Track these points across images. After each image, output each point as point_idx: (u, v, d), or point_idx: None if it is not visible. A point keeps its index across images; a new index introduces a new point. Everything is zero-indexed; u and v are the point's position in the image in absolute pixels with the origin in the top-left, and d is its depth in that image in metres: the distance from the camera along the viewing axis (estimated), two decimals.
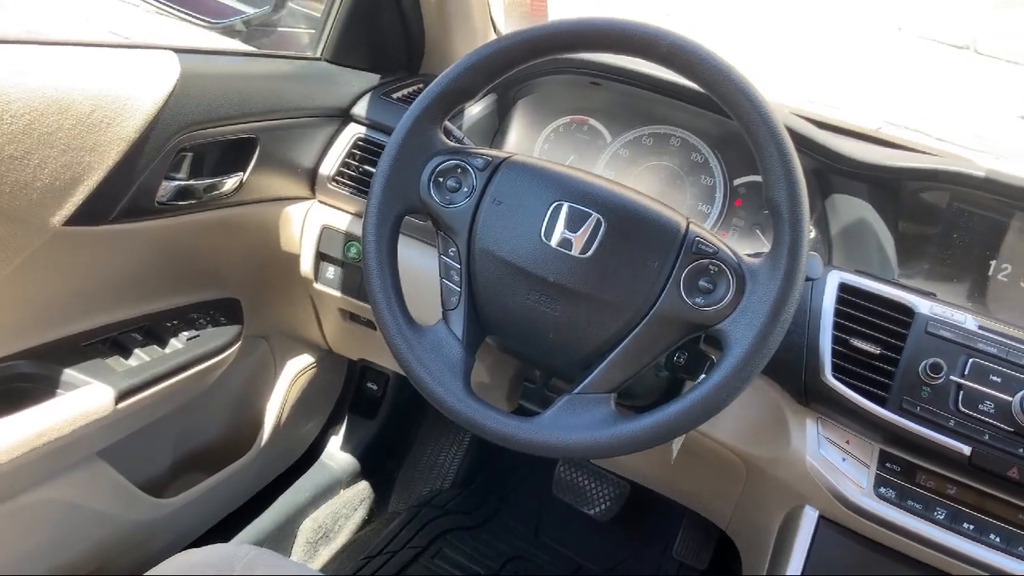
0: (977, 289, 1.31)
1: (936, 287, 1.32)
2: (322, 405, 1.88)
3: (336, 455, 1.91)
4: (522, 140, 1.47)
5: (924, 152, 1.39)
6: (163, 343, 1.30)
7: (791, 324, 1.10)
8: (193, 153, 1.21)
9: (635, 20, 0.99)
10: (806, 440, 1.14)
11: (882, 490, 1.09)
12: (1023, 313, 1.29)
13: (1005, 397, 1.03)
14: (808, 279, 1.00)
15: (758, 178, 1.35)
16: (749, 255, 0.98)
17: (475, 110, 1.44)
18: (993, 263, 1.30)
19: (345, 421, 1.94)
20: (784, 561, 1.16)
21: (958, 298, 1.32)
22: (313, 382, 1.75)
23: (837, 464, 1.11)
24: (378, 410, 1.94)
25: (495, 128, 1.48)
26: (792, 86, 3.22)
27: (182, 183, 1.20)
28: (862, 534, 1.12)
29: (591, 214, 0.99)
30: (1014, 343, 1.06)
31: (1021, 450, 1.02)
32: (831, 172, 1.29)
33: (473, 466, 1.98)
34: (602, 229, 0.99)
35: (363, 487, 1.90)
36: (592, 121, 1.45)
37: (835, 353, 1.09)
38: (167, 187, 1.18)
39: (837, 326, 1.10)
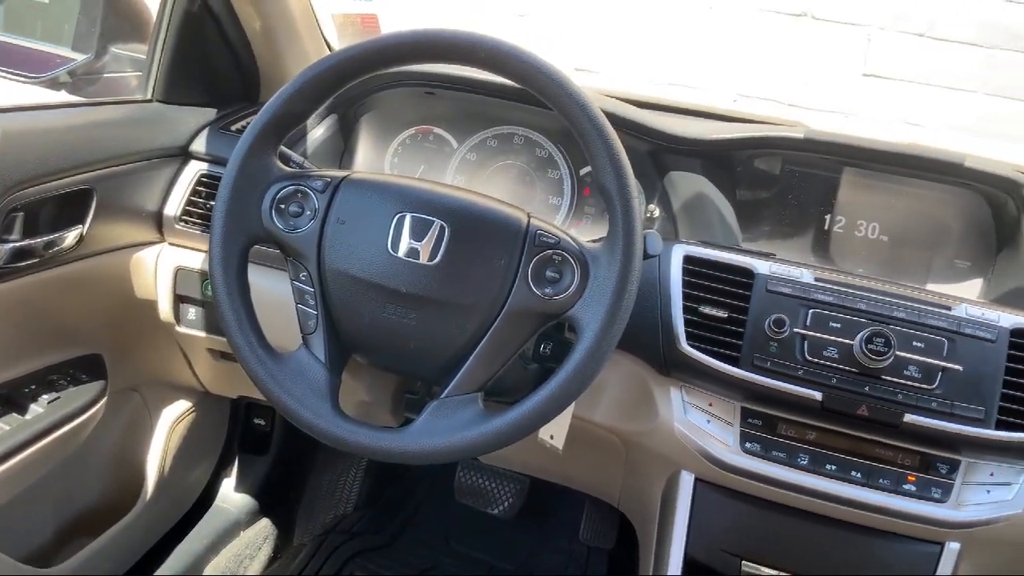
0: (818, 243, 1.39)
1: (778, 247, 1.40)
2: (209, 448, 1.84)
3: (231, 497, 1.87)
4: (370, 157, 1.48)
5: (754, 122, 1.46)
6: (23, 410, 1.25)
7: (645, 300, 1.15)
8: (26, 212, 1.17)
9: (452, 29, 1.01)
10: (672, 408, 1.18)
11: (747, 445, 1.14)
12: (863, 259, 1.38)
13: (846, 341, 1.09)
14: (649, 256, 1.04)
15: None
16: (592, 241, 1.02)
17: (317, 132, 1.44)
18: (828, 217, 1.38)
19: (236, 461, 1.91)
20: (669, 526, 1.20)
21: (802, 254, 1.39)
22: (194, 427, 1.71)
23: (703, 427, 1.17)
24: (268, 445, 1.91)
25: (341, 148, 1.48)
26: (654, 71, 3.32)
27: (18, 244, 1.16)
28: (737, 489, 1.18)
29: (434, 221, 1.01)
30: (849, 290, 1.13)
31: (867, 388, 1.09)
32: (665, 152, 1.35)
33: (375, 486, 1.97)
34: (446, 235, 1.01)
35: (264, 524, 1.87)
36: (437, 129, 1.47)
37: (687, 322, 1.14)
38: (2, 250, 1.14)
39: (686, 296, 1.15)
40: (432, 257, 1.00)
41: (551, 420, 1.01)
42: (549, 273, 1.00)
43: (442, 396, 1.00)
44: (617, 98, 1.43)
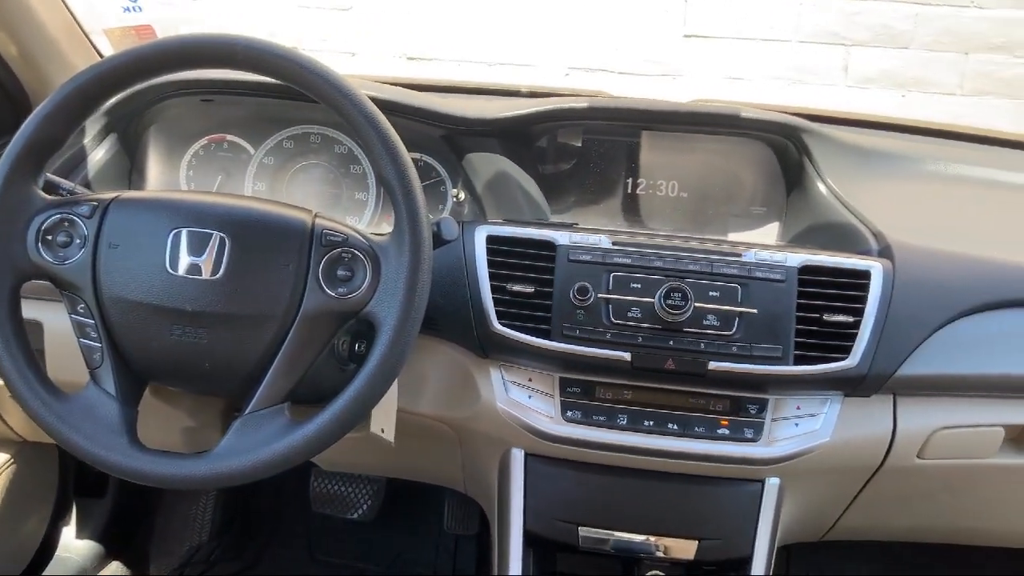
0: (625, 207, 1.43)
1: (588, 215, 1.42)
2: (40, 498, 1.74)
3: (73, 545, 1.78)
4: (163, 173, 1.42)
5: (552, 95, 1.47)
6: None
7: (454, 285, 1.15)
8: None
9: (206, 33, 0.97)
10: (494, 389, 1.19)
11: (569, 413, 1.16)
12: (668, 217, 1.42)
13: (647, 300, 1.12)
14: (445, 241, 1.04)
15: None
16: (380, 234, 1.01)
17: (98, 155, 1.36)
18: (630, 181, 1.41)
19: (74, 507, 1.80)
20: (507, 503, 1.21)
21: (611, 220, 1.42)
22: (17, 478, 1.60)
23: (526, 402, 1.18)
24: (106, 486, 1.82)
25: (128, 168, 1.41)
26: (487, 53, 3.31)
27: None
28: (566, 458, 1.20)
29: (212, 234, 0.97)
30: (645, 250, 1.15)
31: (671, 342, 1.12)
32: (459, 135, 1.35)
33: (229, 509, 1.91)
34: (227, 246, 0.97)
35: (114, 568, 1.78)
36: (230, 137, 1.42)
37: (497, 302, 1.14)
38: None
39: (493, 276, 1.15)
40: (215, 271, 0.97)
41: (362, 419, 1.00)
42: (341, 272, 0.98)
43: (246, 412, 0.97)
44: (407, 85, 1.42)
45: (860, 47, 3.17)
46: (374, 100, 0.99)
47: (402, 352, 0.96)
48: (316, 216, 1.01)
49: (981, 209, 1.34)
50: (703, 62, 3.33)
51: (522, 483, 1.21)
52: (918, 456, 1.19)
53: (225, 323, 0.97)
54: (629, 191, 1.42)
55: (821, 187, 1.30)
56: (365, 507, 1.79)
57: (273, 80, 0.98)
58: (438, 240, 1.04)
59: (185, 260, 0.97)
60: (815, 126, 1.31)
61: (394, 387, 1.10)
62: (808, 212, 1.32)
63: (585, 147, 1.41)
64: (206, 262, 0.97)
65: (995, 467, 1.21)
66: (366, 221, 1.40)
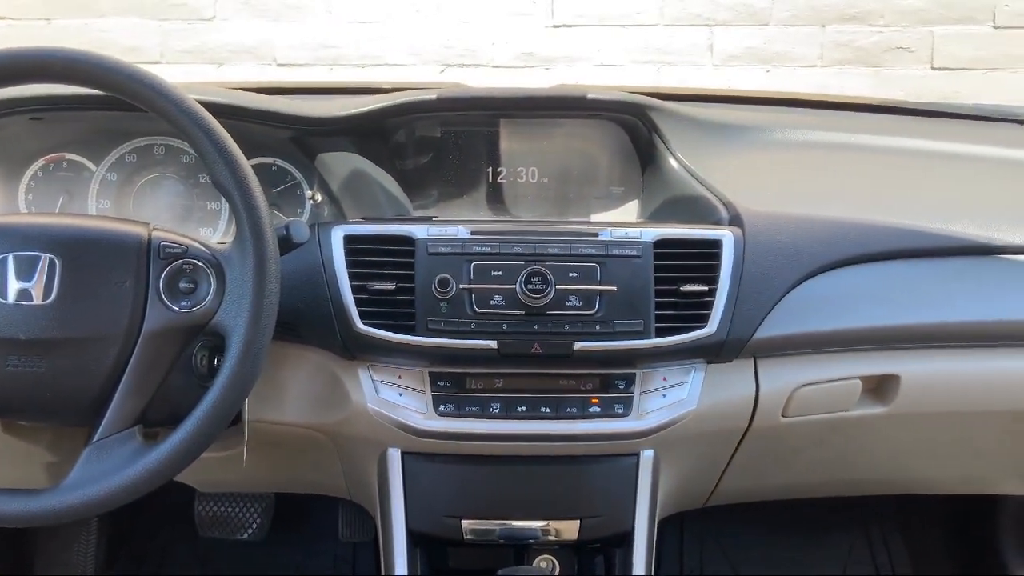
0: (490, 197, 1.42)
1: (452, 208, 1.42)
2: None
3: None
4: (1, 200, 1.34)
5: (408, 89, 1.45)
6: None
7: (313, 288, 1.13)
8: None
9: (21, 47, 0.92)
10: (363, 390, 1.17)
11: (441, 408, 1.15)
12: (532, 204, 1.42)
13: (509, 286, 1.12)
14: (296, 244, 1.02)
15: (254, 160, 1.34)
16: (223, 242, 0.98)
17: None
18: (491, 170, 1.41)
19: None
20: (388, 505, 1.20)
21: (476, 211, 1.42)
22: None
23: (397, 401, 1.16)
24: None
25: None
26: (358, 54, 3.26)
27: None
28: (444, 453, 1.19)
29: (40, 256, 0.93)
30: (503, 237, 1.15)
31: (536, 326, 1.12)
32: (308, 135, 1.32)
33: (112, 543, 1.83)
34: (58, 267, 0.93)
35: None
36: (69, 155, 1.35)
37: (359, 302, 1.12)
38: None
39: (353, 276, 1.13)
40: (46, 295, 0.92)
41: (220, 434, 0.97)
42: (183, 284, 0.95)
43: (94, 440, 0.93)
44: (265, 89, 1.38)
45: (723, 27, 3.25)
46: (210, 104, 0.96)
47: (255, 361, 0.93)
48: (153, 229, 0.97)
49: (828, 172, 1.40)
50: (574, 51, 3.36)
51: (401, 483, 1.20)
52: (783, 415, 1.23)
53: (63, 349, 0.93)
54: (491, 181, 1.42)
55: (672, 162, 1.32)
56: (255, 526, 1.74)
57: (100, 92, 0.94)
58: (288, 244, 1.01)
59: (14, 286, 0.92)
60: (661, 103, 1.34)
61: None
62: (663, 188, 1.34)
63: (444, 140, 1.41)
64: (36, 286, 0.92)
65: (856, 418, 1.27)
66: (220, 231, 1.35)
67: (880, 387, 1.26)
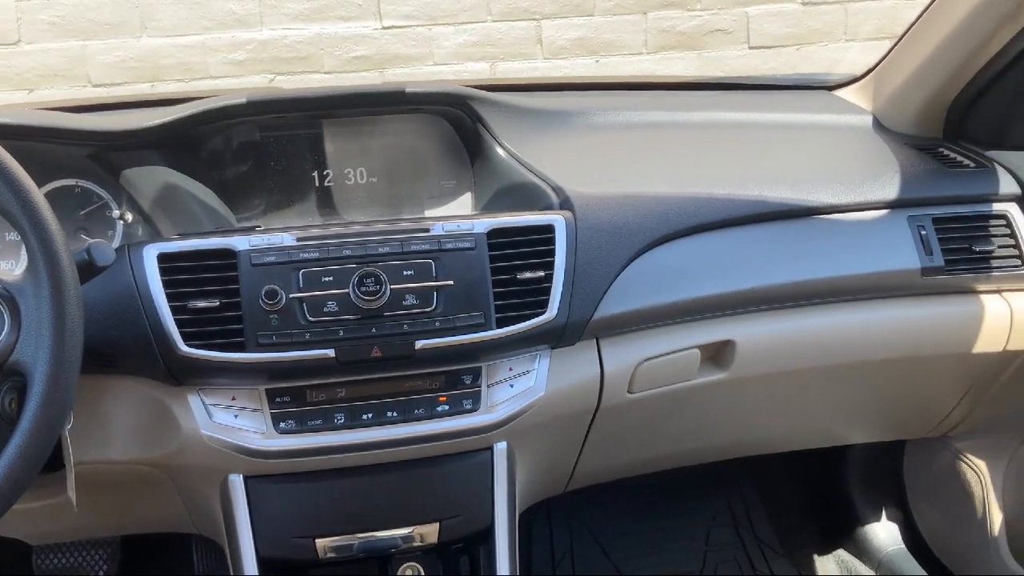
0: (319, 202, 1.37)
1: (277, 217, 1.36)
2: None
3: None
4: None
5: (208, 96, 1.37)
6: None
7: (126, 313, 1.04)
8: None
9: None
10: (195, 416, 1.10)
11: (282, 425, 1.10)
12: (363, 206, 1.38)
13: (342, 291, 1.08)
14: (100, 268, 0.94)
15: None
16: (15, 274, 0.89)
17: None
18: (316, 174, 1.36)
19: None
20: (235, 533, 1.14)
21: (306, 217, 1.36)
22: None
23: (233, 424, 1.10)
24: None
25: None
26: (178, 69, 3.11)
27: None
28: (291, 472, 1.14)
29: None
30: (331, 241, 1.11)
31: (374, 330, 1.08)
32: (109, 152, 1.23)
33: None
34: None
35: None
36: None
37: (180, 323, 1.05)
38: None
39: (172, 296, 1.05)
40: None
41: (32, 481, 0.88)
42: None
43: None
44: (62, 108, 1.28)
45: (549, 19, 3.29)
46: None
47: (62, 398, 0.85)
48: None
49: (652, 150, 1.43)
50: (407, 51, 3.32)
51: (246, 509, 1.13)
52: (629, 391, 1.24)
53: None
54: (318, 185, 1.37)
55: (500, 152, 1.32)
56: (102, 573, 1.62)
57: None
58: (91, 269, 0.94)
59: None
60: (482, 93, 1.33)
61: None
62: (493, 178, 1.33)
63: (264, 146, 1.34)
64: None
65: (699, 387, 1.30)
66: (23, 263, 1.24)
67: (718, 354, 1.29)
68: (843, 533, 1.89)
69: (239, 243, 1.09)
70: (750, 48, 3.40)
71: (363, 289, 1.07)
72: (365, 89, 1.28)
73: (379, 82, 1.34)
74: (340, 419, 1.11)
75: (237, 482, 1.13)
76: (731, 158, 1.40)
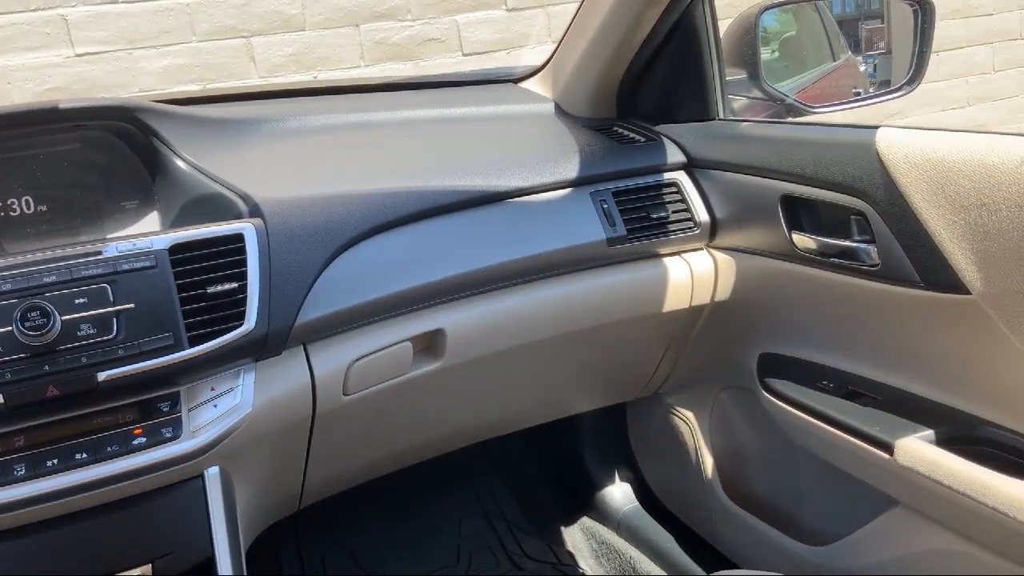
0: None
1: None
2: None
3: None
4: None
5: None
6: None
7: None
8: None
9: None
10: None
11: None
12: (34, 238, 1.26)
13: (5, 329, 0.97)
14: None
15: None
16: None
17: None
18: (15, 200, 1.23)
19: None
20: None
21: None
22: None
23: None
24: None
25: None
26: None
27: None
28: None
29: None
30: None
31: (46, 367, 0.99)
32: None
33: None
34: None
35: None
36: None
37: None
38: None
39: None
40: None
41: None
42: None
43: None
44: None
45: (260, 36, 3.21)
46: None
47: None
48: None
49: (345, 150, 1.42)
50: (107, 80, 3.09)
51: None
52: (344, 393, 1.23)
53: None
54: (14, 213, 1.23)
55: (181, 164, 1.25)
56: None
57: None
58: None
59: None
60: (152, 105, 1.26)
61: None
62: (177, 192, 1.26)
63: None
64: None
65: (415, 379, 1.31)
66: None
67: (430, 344, 1.31)
68: (584, 501, 1.98)
69: None
70: (464, 55, 3.50)
71: (28, 324, 0.97)
72: (12, 109, 1.17)
73: (34, 102, 1.22)
74: (20, 471, 1.00)
75: None
76: (423, 152, 1.43)
